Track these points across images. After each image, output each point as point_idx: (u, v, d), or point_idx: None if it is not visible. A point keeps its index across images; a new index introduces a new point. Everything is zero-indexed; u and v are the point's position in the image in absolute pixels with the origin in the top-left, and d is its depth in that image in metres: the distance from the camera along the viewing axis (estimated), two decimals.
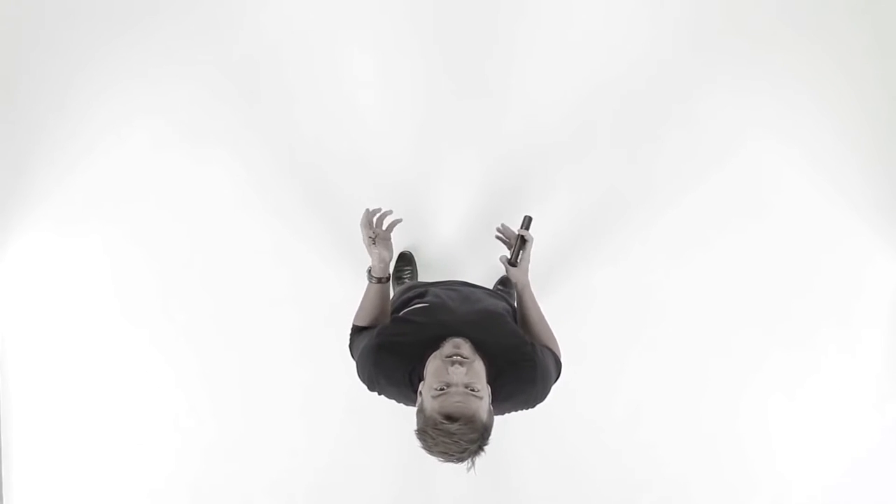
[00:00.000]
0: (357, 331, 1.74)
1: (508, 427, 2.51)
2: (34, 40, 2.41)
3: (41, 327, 2.50)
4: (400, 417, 2.46)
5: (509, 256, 1.67)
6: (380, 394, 1.62)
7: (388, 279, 1.67)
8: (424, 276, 2.45)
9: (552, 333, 1.74)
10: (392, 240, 1.66)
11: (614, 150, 2.47)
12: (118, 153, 2.44)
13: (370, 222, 1.60)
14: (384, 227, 1.63)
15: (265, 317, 2.51)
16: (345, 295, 2.39)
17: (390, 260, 1.63)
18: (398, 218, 1.64)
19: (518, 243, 1.65)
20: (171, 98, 2.42)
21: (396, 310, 1.72)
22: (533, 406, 1.61)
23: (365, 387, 1.63)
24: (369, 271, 1.66)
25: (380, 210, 1.63)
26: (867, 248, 2.50)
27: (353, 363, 1.66)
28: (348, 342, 1.75)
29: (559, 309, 1.92)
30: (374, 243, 1.60)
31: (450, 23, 2.41)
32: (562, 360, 1.72)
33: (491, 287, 2.34)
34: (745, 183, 2.48)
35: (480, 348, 1.50)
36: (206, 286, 2.49)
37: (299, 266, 2.49)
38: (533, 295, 1.71)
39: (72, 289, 2.49)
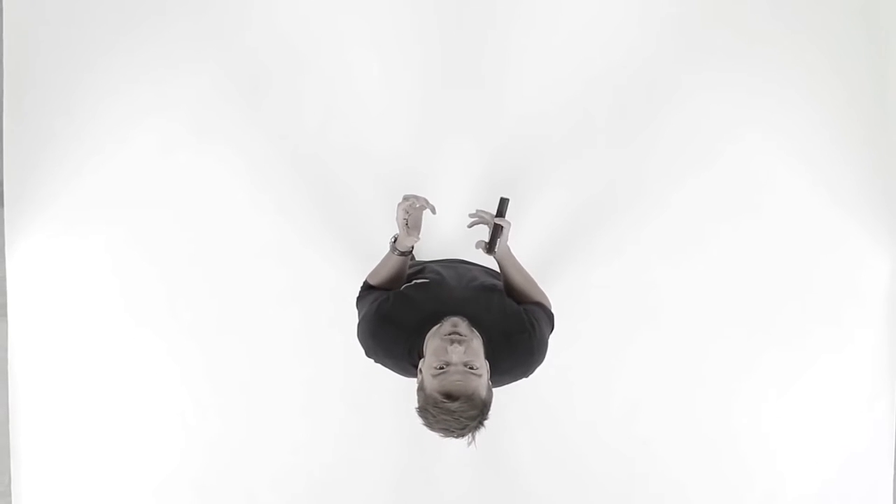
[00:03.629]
0: (367, 288, 1.78)
1: (508, 424, 2.54)
2: (41, 43, 2.45)
3: (49, 327, 2.53)
4: (401, 413, 2.49)
5: (486, 243, 1.64)
6: (376, 362, 1.66)
7: (409, 254, 1.71)
8: None
9: (539, 288, 1.78)
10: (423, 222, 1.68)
11: (610, 147, 2.50)
12: (124, 154, 2.48)
13: (411, 206, 1.62)
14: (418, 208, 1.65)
15: (269, 315, 2.54)
16: (347, 293, 2.41)
17: (418, 239, 1.66)
18: (433, 208, 1.66)
19: (495, 231, 1.63)
20: (175, 98, 2.46)
21: None
22: (531, 373, 1.65)
23: (363, 351, 1.67)
24: (394, 242, 1.70)
25: (421, 199, 1.64)
26: (860, 248, 2.53)
27: (356, 343, 1.71)
28: (357, 296, 1.78)
29: (556, 305, 1.95)
30: (406, 224, 1.63)
31: (449, 17, 2.46)
32: (552, 310, 1.75)
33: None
34: (738, 181, 2.51)
35: (477, 324, 1.54)
36: (211, 285, 2.53)
37: (302, 265, 2.53)
38: (514, 259, 1.74)
39: (79, 288, 2.52)
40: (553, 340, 1.82)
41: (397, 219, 1.64)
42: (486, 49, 2.47)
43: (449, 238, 2.44)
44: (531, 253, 2.46)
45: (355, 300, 1.82)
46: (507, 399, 1.73)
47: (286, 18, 2.45)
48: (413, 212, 1.64)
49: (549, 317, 1.76)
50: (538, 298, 1.78)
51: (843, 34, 2.47)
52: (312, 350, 2.55)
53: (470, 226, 1.71)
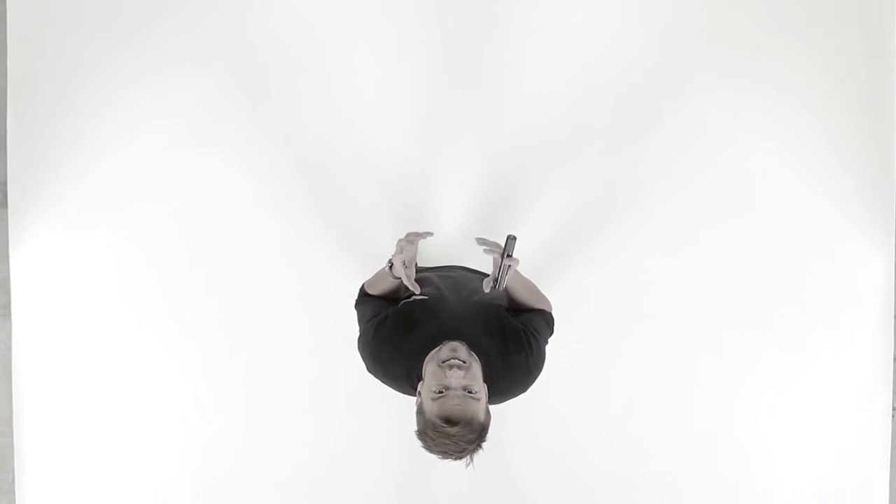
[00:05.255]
0: (365, 294, 1.79)
1: (507, 421, 2.54)
2: (45, 46, 2.46)
3: (52, 326, 2.55)
4: (401, 413, 2.50)
5: (494, 280, 1.60)
6: (376, 378, 1.68)
7: None
8: None
9: (542, 295, 1.79)
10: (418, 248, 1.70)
11: (610, 150, 2.52)
12: (127, 156, 2.49)
13: (406, 248, 1.62)
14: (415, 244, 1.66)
15: (270, 315, 2.56)
16: (348, 293, 2.43)
17: (415, 286, 1.66)
18: (431, 233, 1.67)
19: (503, 270, 1.59)
20: (178, 101, 2.47)
21: None
22: (528, 389, 1.66)
23: (364, 367, 1.69)
24: (391, 267, 1.71)
25: (418, 236, 1.65)
26: (856, 248, 2.55)
27: (356, 352, 1.72)
28: (355, 300, 1.80)
29: (556, 306, 1.98)
30: (404, 263, 1.63)
31: (450, 21, 2.47)
32: (553, 314, 1.77)
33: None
34: (737, 183, 2.52)
35: (476, 346, 1.55)
36: (213, 286, 2.55)
37: (303, 265, 2.54)
38: (520, 276, 1.75)
39: (82, 288, 2.53)
40: (553, 339, 1.85)
41: (394, 258, 1.64)
42: (488, 52, 2.48)
43: (448, 242, 2.46)
44: (533, 254, 2.48)
45: (354, 303, 1.83)
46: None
47: (287, 22, 2.47)
48: (409, 248, 1.64)
49: (549, 322, 1.78)
50: (540, 306, 1.79)
51: (841, 39, 2.48)
52: (313, 350, 2.57)
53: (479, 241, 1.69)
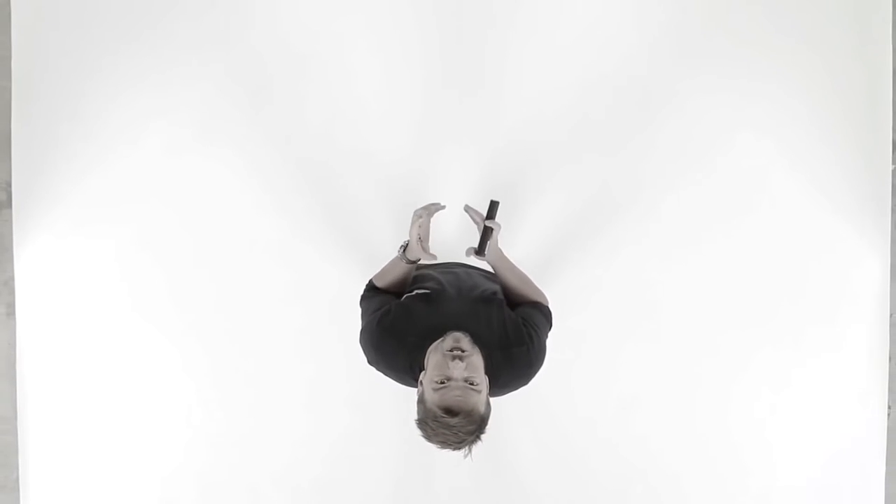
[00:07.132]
0: (373, 288, 1.81)
1: (508, 420, 2.57)
2: (48, 47, 2.48)
3: (56, 325, 2.57)
4: (402, 411, 2.52)
5: (476, 247, 1.65)
6: (377, 370, 1.69)
7: (418, 261, 1.74)
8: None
9: (536, 287, 1.81)
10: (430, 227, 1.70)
11: (607, 150, 2.53)
12: (130, 156, 2.51)
13: (424, 216, 1.65)
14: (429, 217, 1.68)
15: (272, 314, 2.58)
16: (349, 293, 2.45)
17: (433, 257, 1.69)
18: (443, 206, 1.70)
19: (485, 233, 1.63)
20: (180, 102, 2.49)
21: None
22: (529, 381, 1.68)
23: (365, 358, 1.70)
24: (404, 250, 1.72)
25: (431, 208, 1.68)
26: (853, 249, 2.57)
27: (357, 341, 1.74)
28: (361, 294, 1.81)
29: (554, 304, 2.00)
30: (419, 238, 1.65)
31: (449, 23, 2.49)
32: (550, 307, 1.79)
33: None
34: (733, 183, 2.54)
35: (477, 339, 1.57)
36: (215, 285, 2.57)
37: (305, 265, 2.56)
38: (507, 261, 1.77)
39: (85, 288, 2.55)
40: (552, 339, 1.86)
41: (411, 234, 1.66)
42: (486, 53, 2.50)
43: (449, 240, 2.46)
44: (531, 253, 2.50)
45: (360, 298, 1.85)
46: (507, 396, 1.76)
47: (288, 23, 2.49)
48: (426, 220, 1.67)
49: (547, 316, 1.79)
50: (535, 297, 1.80)
51: (838, 38, 2.50)
52: (314, 348, 2.59)
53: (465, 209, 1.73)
